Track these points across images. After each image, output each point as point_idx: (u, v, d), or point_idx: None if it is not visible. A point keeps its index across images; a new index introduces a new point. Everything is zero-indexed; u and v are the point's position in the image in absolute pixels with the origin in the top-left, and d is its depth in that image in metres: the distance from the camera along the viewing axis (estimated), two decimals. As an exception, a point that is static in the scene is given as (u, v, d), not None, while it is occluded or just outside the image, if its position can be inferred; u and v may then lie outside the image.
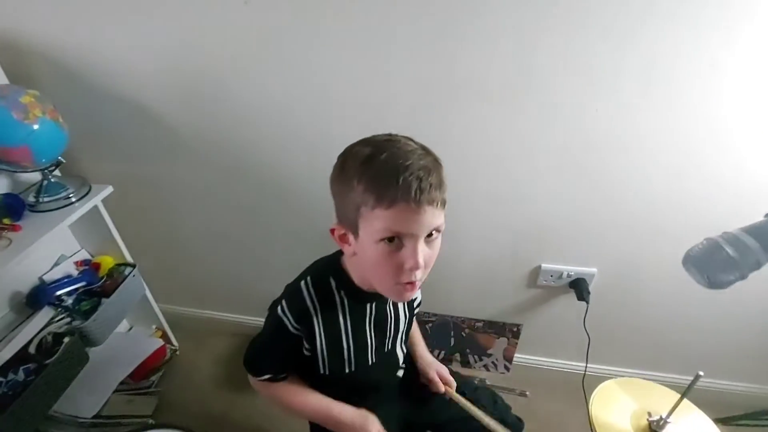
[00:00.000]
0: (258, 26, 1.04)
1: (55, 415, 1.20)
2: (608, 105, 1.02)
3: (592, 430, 0.85)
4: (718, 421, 0.87)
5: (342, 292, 0.76)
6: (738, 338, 1.36)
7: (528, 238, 1.30)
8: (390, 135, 0.65)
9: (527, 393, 1.58)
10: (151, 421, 1.05)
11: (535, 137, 1.10)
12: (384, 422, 0.89)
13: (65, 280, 1.26)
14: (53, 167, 1.19)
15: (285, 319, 0.75)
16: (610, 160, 1.10)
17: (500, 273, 1.41)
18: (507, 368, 1.65)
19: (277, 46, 1.06)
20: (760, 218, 0.46)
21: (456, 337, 1.61)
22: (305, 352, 0.79)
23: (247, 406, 1.49)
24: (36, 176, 1.25)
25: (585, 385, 1.34)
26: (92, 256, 1.42)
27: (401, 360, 0.96)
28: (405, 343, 0.96)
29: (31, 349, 1.14)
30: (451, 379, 0.95)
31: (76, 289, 1.27)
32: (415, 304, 0.98)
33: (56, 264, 1.32)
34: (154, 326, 1.64)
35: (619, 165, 1.11)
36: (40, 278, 1.27)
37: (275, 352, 0.81)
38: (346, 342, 0.80)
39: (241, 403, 1.51)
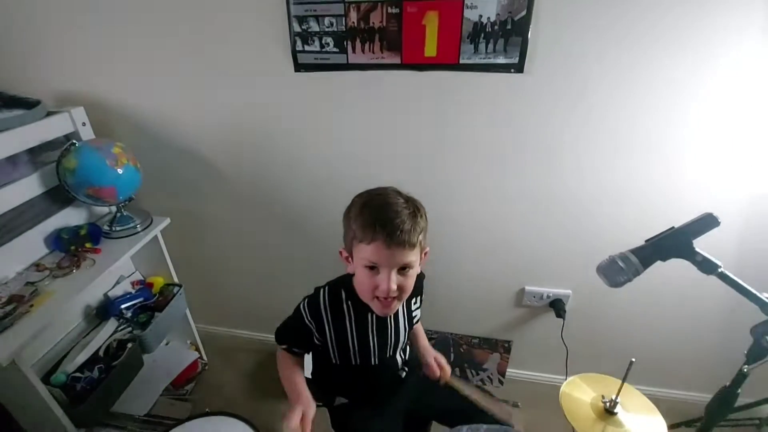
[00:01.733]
0: (301, 96, 1.35)
1: (115, 411, 1.41)
2: (566, 162, 1.32)
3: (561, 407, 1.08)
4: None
5: (349, 302, 1.01)
6: (689, 350, 1.60)
7: (513, 264, 1.57)
8: (384, 189, 0.91)
9: (519, 404, 1.79)
10: (207, 409, 1.26)
11: (514, 186, 1.39)
12: (390, 416, 1.13)
13: (126, 296, 1.50)
14: (127, 202, 1.46)
15: (303, 312, 1.02)
16: (575, 205, 1.39)
17: (491, 294, 1.66)
18: (501, 382, 1.86)
19: (314, 111, 1.37)
20: (642, 242, 0.73)
21: (455, 352, 1.83)
22: (316, 341, 1.04)
23: (270, 412, 1.69)
24: (106, 208, 1.53)
25: (565, 392, 1.56)
26: (143, 277, 1.67)
27: (401, 364, 1.19)
28: (405, 353, 1.19)
29: (101, 353, 1.37)
30: (447, 365, 1.16)
31: (134, 304, 1.52)
32: (414, 321, 1.18)
33: (117, 283, 1.57)
34: (189, 341, 1.86)
35: (583, 207, 1.39)
36: (105, 294, 1.52)
37: (292, 332, 1.07)
38: (352, 343, 1.04)
39: (265, 409, 1.71)
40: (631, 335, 1.62)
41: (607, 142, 1.25)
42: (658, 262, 0.72)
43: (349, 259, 0.94)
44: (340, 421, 1.15)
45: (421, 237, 0.89)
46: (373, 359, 1.07)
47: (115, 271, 1.58)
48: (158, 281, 1.63)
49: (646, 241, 0.73)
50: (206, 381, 1.85)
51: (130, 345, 1.40)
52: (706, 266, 0.69)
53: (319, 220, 1.60)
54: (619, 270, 0.72)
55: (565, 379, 1.63)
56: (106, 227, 1.45)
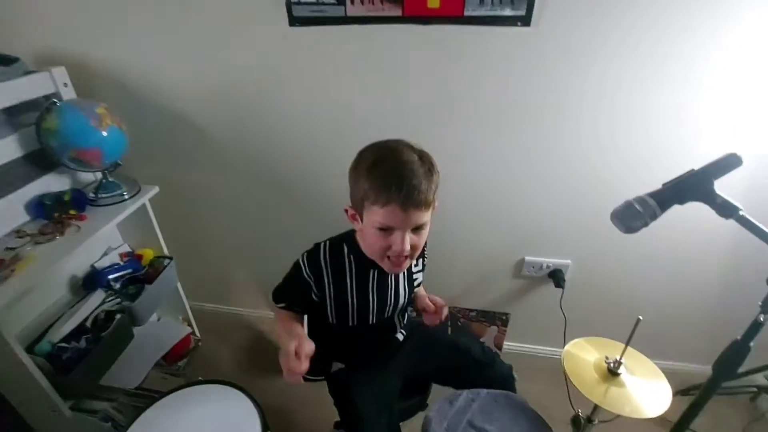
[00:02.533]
0: (296, 53, 1.29)
1: (104, 384, 1.36)
2: (567, 127, 1.28)
3: (565, 375, 1.06)
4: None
5: (351, 257, 0.97)
6: (690, 319, 1.60)
7: (513, 234, 1.54)
8: (395, 142, 0.84)
9: (515, 376, 1.78)
10: (199, 377, 1.22)
11: (515, 149, 1.35)
12: (388, 380, 1.10)
13: (115, 267, 1.45)
14: (113, 168, 1.40)
15: (302, 265, 0.97)
16: (575, 171, 1.36)
17: (490, 265, 1.63)
18: (498, 355, 1.85)
19: (309, 72, 1.32)
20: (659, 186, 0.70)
21: (453, 325, 1.81)
22: (314, 297, 0.99)
23: (265, 388, 1.66)
24: (91, 176, 1.46)
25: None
26: (132, 249, 1.61)
27: (398, 326, 1.16)
28: (403, 317, 1.16)
29: (88, 324, 1.32)
30: (442, 302, 1.10)
31: (123, 276, 1.46)
32: (416, 284, 1.14)
33: (105, 254, 1.51)
34: (180, 317, 1.81)
35: (580, 175, 1.37)
36: (92, 266, 1.46)
37: (289, 289, 1.03)
38: (351, 299, 1.00)
39: (259, 384, 1.67)
40: (630, 304, 1.60)
41: (612, 102, 1.22)
42: (675, 207, 0.70)
43: (356, 217, 0.89)
44: (338, 387, 1.12)
45: (435, 195, 0.84)
46: (371, 318, 1.04)
47: (102, 241, 1.53)
48: (148, 253, 1.57)
49: (664, 184, 0.71)
50: (200, 357, 1.81)
51: (119, 316, 1.35)
52: (726, 209, 0.66)
53: (320, 186, 1.55)
54: (636, 214, 0.69)
55: (563, 349, 1.65)
56: (91, 194, 1.39)
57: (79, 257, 1.42)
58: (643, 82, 1.18)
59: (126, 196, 1.41)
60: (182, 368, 1.71)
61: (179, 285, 1.70)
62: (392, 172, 0.78)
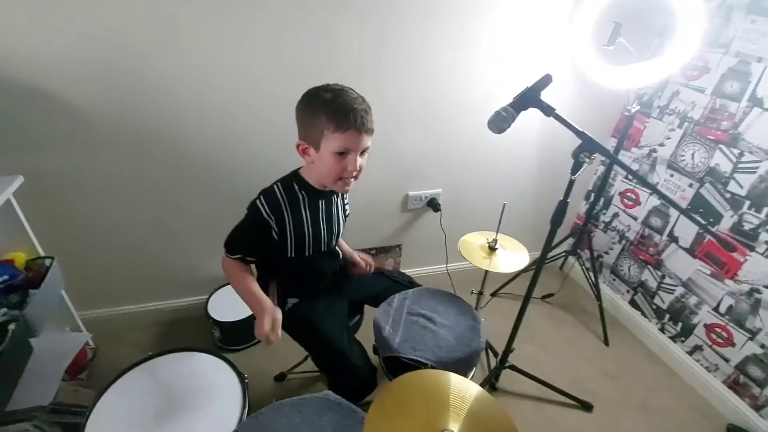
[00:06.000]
0: (163, 11, 1.27)
1: (13, 409, 1.16)
2: (430, 77, 1.64)
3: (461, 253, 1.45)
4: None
5: (303, 192, 1.13)
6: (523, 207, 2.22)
7: (397, 174, 1.86)
8: (337, 85, 1.04)
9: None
10: (150, 352, 1.16)
11: (396, 102, 1.65)
12: (338, 307, 1.30)
13: (-15, 276, 1.21)
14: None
15: (261, 208, 1.07)
16: (446, 118, 1.75)
17: (381, 205, 1.93)
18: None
19: (187, 27, 1.31)
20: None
21: (357, 266, 2.06)
22: (274, 236, 1.11)
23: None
24: None
25: (450, 275, 2.00)
26: (-8, 256, 1.34)
27: (340, 255, 1.37)
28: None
29: (-28, 345, 1.11)
30: (369, 258, 1.42)
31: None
32: (346, 214, 1.36)
33: (-42, 269, 1.24)
34: (68, 328, 1.59)
35: (447, 118, 1.76)
36: (-52, 283, 1.19)
37: (248, 236, 1.12)
38: (307, 229, 1.16)
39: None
40: (487, 212, 2.12)
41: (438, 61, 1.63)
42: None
43: (308, 150, 1.05)
44: (299, 318, 1.25)
45: None
46: (323, 245, 1.21)
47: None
48: (19, 257, 1.34)
49: (514, 98, 1.08)
50: (101, 365, 1.64)
51: (12, 326, 1.16)
52: (548, 110, 1.07)
53: (219, 159, 1.56)
54: (503, 118, 1.04)
55: (446, 265, 2.09)
56: (-72, 196, 1.13)
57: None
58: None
59: (-18, 192, 1.19)
60: (87, 380, 1.53)
61: (63, 292, 1.49)
62: (348, 105, 0.98)
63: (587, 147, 1.13)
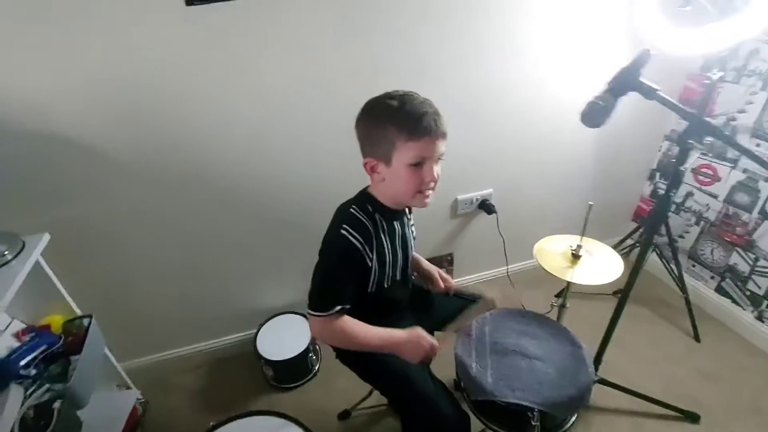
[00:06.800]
0: (195, 40, 1.14)
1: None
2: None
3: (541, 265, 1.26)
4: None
5: (377, 215, 0.96)
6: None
7: (445, 178, 1.67)
8: (397, 91, 0.89)
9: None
10: (212, 423, 1.04)
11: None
12: None
13: (22, 349, 1.09)
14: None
15: (351, 238, 0.90)
16: (491, 112, 1.56)
17: (428, 213, 1.73)
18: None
19: (217, 56, 1.18)
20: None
21: (408, 281, 1.90)
22: (369, 264, 0.94)
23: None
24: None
25: (510, 277, 1.81)
26: (25, 324, 1.23)
27: (409, 279, 1.20)
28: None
29: (16, 431, 0.99)
30: (450, 279, 1.25)
31: (37, 357, 1.12)
32: (414, 235, 1.19)
33: (-10, 343, 1.12)
34: (115, 384, 1.48)
35: (495, 114, 1.57)
36: (-16, 360, 1.07)
37: (344, 277, 0.93)
38: (389, 257, 1.00)
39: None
40: (548, 212, 1.92)
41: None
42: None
43: (377, 166, 0.90)
44: (370, 365, 1.09)
45: None
46: (398, 274, 1.06)
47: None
48: (55, 320, 1.23)
49: (608, 83, 0.89)
50: (155, 420, 1.52)
51: (57, 405, 1.05)
52: (650, 92, 0.88)
53: (251, 186, 1.41)
54: (601, 110, 0.85)
55: (506, 266, 1.90)
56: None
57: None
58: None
59: (9, 256, 1.07)
60: (142, 439, 1.42)
61: (106, 350, 1.38)
62: (418, 110, 0.84)
63: (697, 130, 0.93)
